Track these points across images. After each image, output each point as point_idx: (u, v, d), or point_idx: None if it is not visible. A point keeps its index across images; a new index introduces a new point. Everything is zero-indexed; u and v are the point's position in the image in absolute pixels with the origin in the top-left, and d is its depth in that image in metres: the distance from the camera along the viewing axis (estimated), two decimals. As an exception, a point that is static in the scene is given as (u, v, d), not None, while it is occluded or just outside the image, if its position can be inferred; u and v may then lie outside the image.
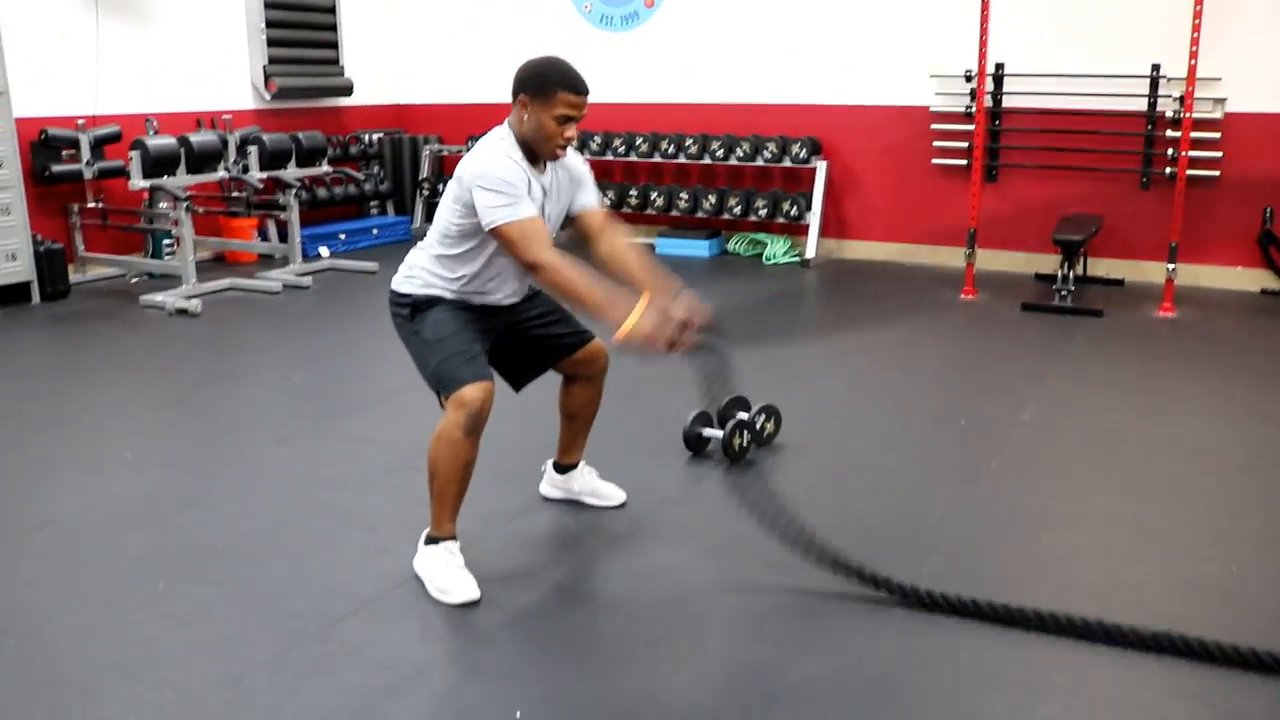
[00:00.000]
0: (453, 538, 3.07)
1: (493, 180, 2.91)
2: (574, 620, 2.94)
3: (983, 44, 6.80)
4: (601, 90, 9.24)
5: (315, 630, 2.84)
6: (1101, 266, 7.59)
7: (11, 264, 6.85)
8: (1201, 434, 4.46)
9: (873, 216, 8.43)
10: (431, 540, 3.09)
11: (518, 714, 2.46)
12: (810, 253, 8.23)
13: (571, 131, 2.96)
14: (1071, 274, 6.76)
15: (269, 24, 8.60)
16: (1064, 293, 6.70)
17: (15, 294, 6.92)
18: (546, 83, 2.95)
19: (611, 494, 3.69)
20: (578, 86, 2.96)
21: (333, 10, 9.19)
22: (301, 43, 8.90)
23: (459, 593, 2.98)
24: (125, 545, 3.40)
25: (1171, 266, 6.64)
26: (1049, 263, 7.39)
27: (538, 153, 3.02)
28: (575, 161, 3.20)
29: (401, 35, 10.08)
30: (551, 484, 3.72)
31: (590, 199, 3.22)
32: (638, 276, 3.00)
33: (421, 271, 3.15)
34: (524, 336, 3.32)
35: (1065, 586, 3.08)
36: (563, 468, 3.68)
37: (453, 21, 9.81)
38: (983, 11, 6.74)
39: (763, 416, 4.26)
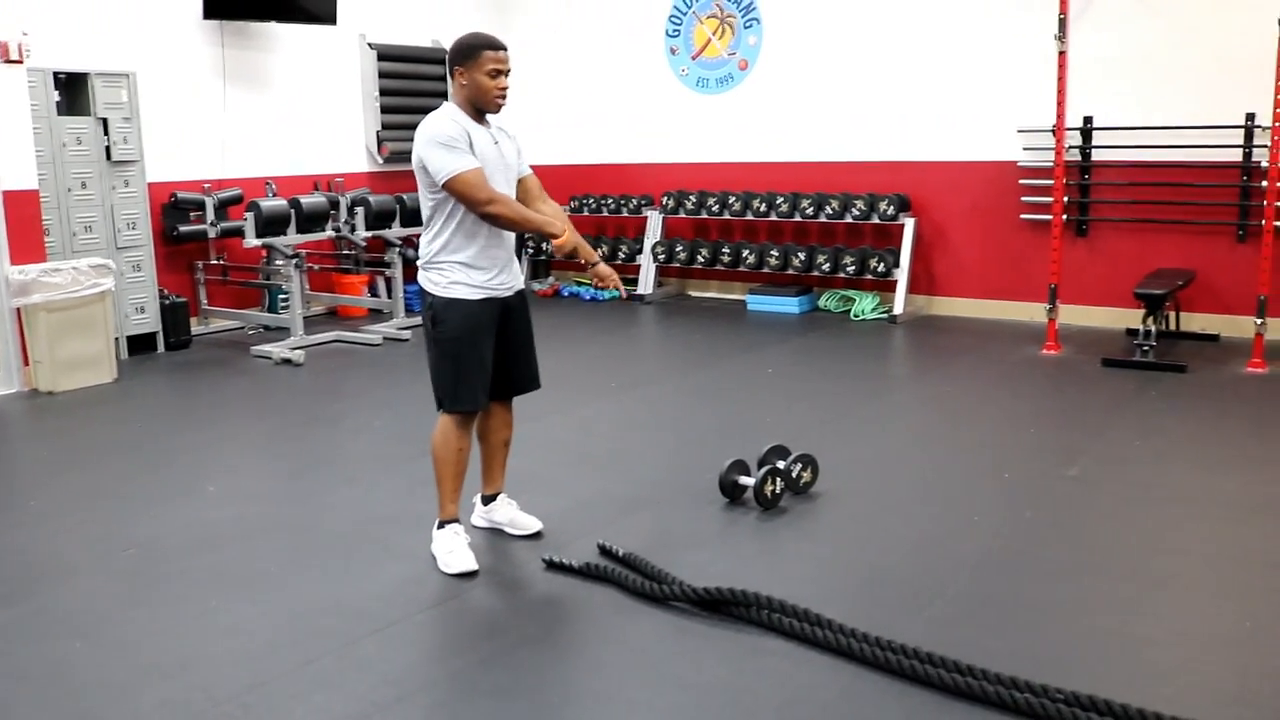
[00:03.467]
0: (455, 519, 3.70)
1: (434, 136, 3.43)
2: (578, 650, 3.16)
3: (1060, 97, 6.86)
4: (697, 151, 9.75)
5: (338, 647, 3.14)
6: (1196, 321, 7.48)
7: (140, 316, 7.50)
8: (1254, 491, 4.41)
9: (961, 272, 8.47)
10: (440, 524, 3.71)
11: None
12: (898, 309, 8.31)
13: (503, 82, 3.46)
14: (1155, 329, 6.71)
15: (383, 92, 9.20)
16: (1145, 348, 6.65)
17: (142, 343, 7.56)
18: (471, 49, 3.47)
19: (528, 524, 3.97)
20: (494, 44, 3.49)
21: (443, 78, 9.76)
22: (413, 109, 9.47)
23: (457, 564, 3.59)
24: (192, 566, 3.78)
25: (1260, 321, 6.53)
26: (1139, 318, 7.32)
27: (482, 109, 3.53)
28: (514, 129, 3.74)
29: (516, 100, 10.54)
30: (477, 514, 4.05)
31: (527, 167, 3.76)
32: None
33: (438, 261, 3.59)
34: (499, 353, 3.71)
35: (1062, 641, 3.16)
36: (486, 498, 4.02)
37: (552, 85, 10.29)
38: (1060, 67, 6.82)
39: (799, 465, 4.41)
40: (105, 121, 7.21)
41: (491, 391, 3.70)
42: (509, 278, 3.68)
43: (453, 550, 3.64)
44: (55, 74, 7.02)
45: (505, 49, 3.51)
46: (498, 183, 3.52)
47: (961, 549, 3.84)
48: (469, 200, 3.44)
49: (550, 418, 5.50)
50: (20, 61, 6.47)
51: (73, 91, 7.19)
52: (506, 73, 3.47)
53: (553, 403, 5.72)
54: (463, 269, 3.56)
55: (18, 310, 6.49)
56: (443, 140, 3.42)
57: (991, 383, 6.41)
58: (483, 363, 3.61)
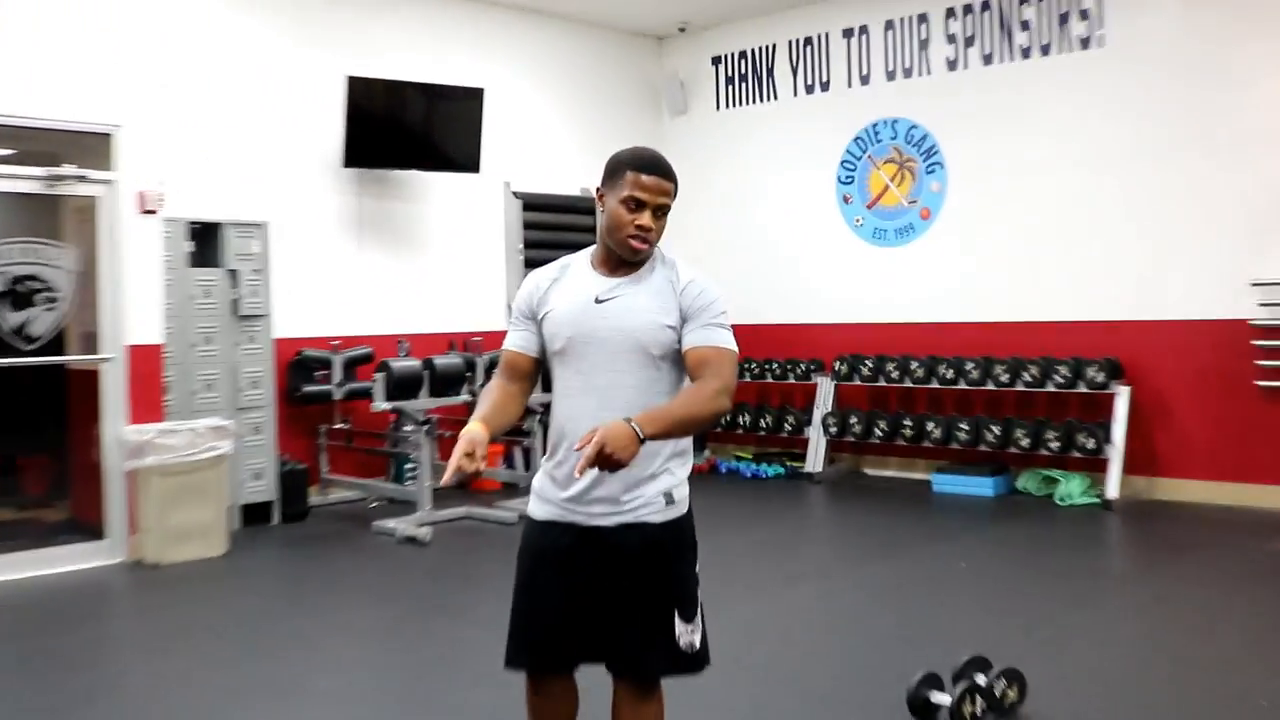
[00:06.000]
0: None
1: (517, 294, 3.07)
2: None
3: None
4: (873, 310, 9.64)
5: None
6: None
7: (256, 483, 7.69)
8: None
9: (1187, 449, 8.06)
10: None
11: None
12: (1112, 492, 7.93)
13: (645, 219, 2.84)
14: None
15: (527, 244, 9.44)
16: None
17: (257, 514, 7.72)
18: (616, 165, 2.91)
19: None
20: (648, 166, 2.87)
21: (592, 229, 9.96)
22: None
23: None
24: (294, 778, 3.70)
25: None
26: None
27: (616, 250, 2.91)
28: (691, 280, 2.93)
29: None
30: None
31: (697, 335, 2.88)
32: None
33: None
34: (600, 599, 2.92)
35: None
36: None
37: (710, 236, 10.42)
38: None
39: (1003, 681, 4.13)
40: (235, 273, 7.57)
41: (601, 654, 2.94)
42: (606, 496, 2.88)
43: None
44: (190, 223, 7.43)
45: (663, 174, 2.86)
46: (592, 361, 2.87)
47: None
48: None
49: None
50: (155, 212, 6.87)
51: (205, 242, 7.58)
52: (656, 209, 2.85)
53: (707, 598, 5.58)
54: (541, 475, 3.01)
55: (130, 474, 6.70)
56: (515, 299, 3.07)
57: (1232, 584, 6.00)
58: (538, 612, 2.94)
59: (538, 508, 2.96)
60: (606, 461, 2.53)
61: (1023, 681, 4.18)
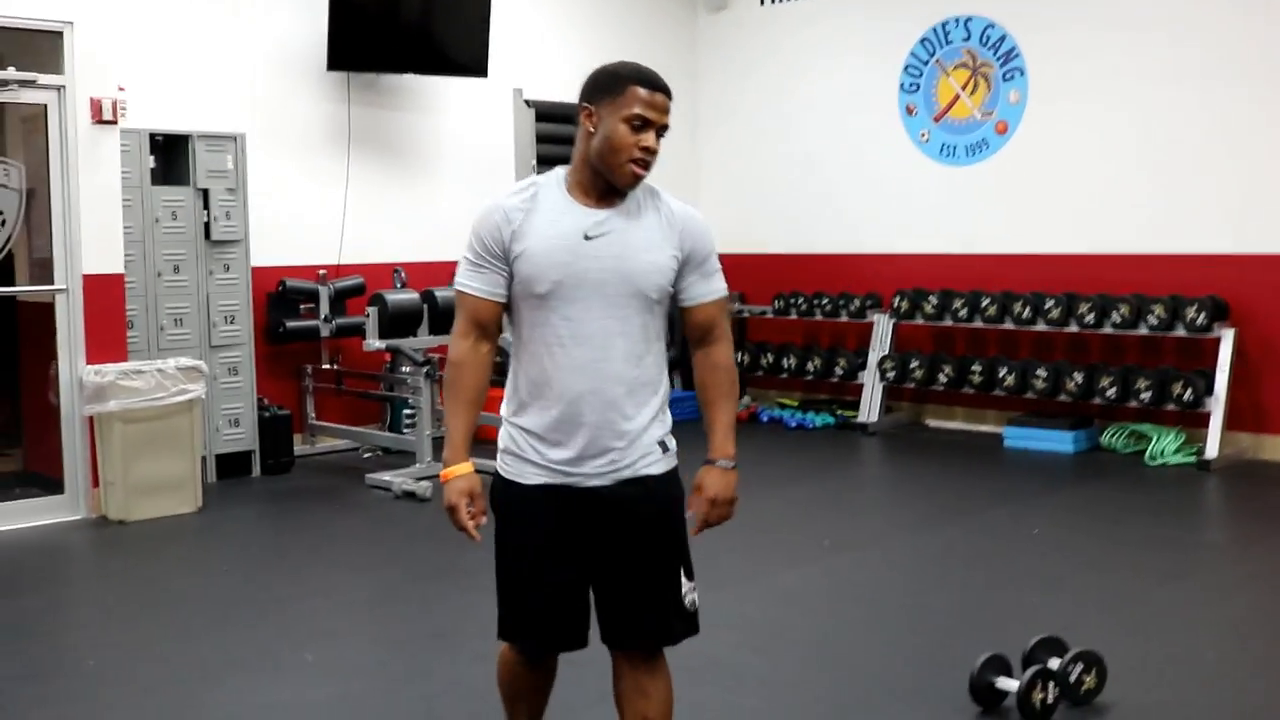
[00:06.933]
0: None
1: (473, 225, 2.97)
2: None
3: None
4: (939, 239, 9.58)
5: None
6: None
7: (234, 431, 7.74)
8: None
9: (1302, 405, 8.05)
10: None
11: None
12: (1211, 451, 7.90)
13: (651, 140, 2.87)
14: None
15: (540, 159, 9.35)
16: None
17: (235, 464, 7.78)
18: (614, 79, 2.91)
19: None
20: (653, 81, 2.90)
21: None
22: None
23: None
24: (274, 764, 3.76)
25: None
26: None
27: (609, 177, 2.90)
28: (689, 217, 3.03)
29: (698, 175, 10.74)
30: None
31: (702, 287, 3.04)
32: (709, 438, 3.05)
33: (505, 405, 3.07)
34: (609, 566, 3.04)
35: None
36: None
37: (752, 153, 10.39)
38: None
39: (1079, 666, 4.14)
40: (206, 193, 7.56)
41: (606, 634, 3.07)
42: (602, 450, 2.98)
43: None
44: (152, 136, 7.43)
45: (667, 91, 2.91)
46: (584, 306, 2.90)
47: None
48: None
49: (740, 586, 5.35)
50: (114, 122, 6.86)
51: (171, 157, 7.59)
52: (659, 129, 2.88)
53: (744, 565, 5.68)
54: (517, 433, 3.04)
55: (90, 420, 6.77)
56: (470, 237, 2.97)
57: None
58: (544, 586, 3.03)
59: (521, 469, 3.01)
60: (724, 518, 3.02)
61: (1102, 666, 4.18)
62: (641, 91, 2.85)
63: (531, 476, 2.98)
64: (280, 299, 8.20)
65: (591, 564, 3.00)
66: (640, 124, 2.85)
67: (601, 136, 2.86)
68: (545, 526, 2.98)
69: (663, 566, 3.00)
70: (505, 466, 3.05)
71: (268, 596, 5.51)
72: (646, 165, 2.88)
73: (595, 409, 2.91)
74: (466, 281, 2.98)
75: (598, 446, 2.93)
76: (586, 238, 2.89)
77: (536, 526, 3.00)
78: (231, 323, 7.74)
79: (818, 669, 4.57)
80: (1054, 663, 4.12)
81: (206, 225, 7.58)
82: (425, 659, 4.72)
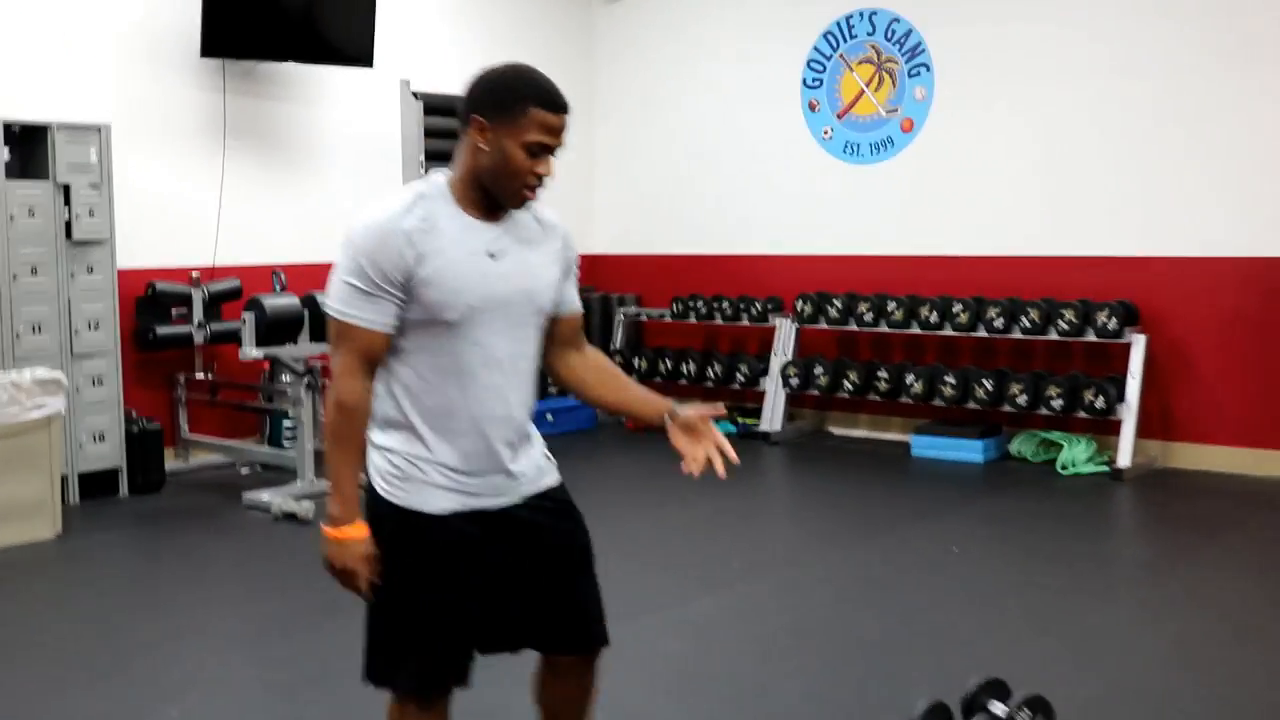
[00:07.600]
0: None
1: (350, 239, 2.71)
2: None
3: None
4: (843, 239, 9.43)
5: None
6: None
7: (98, 447, 7.30)
8: None
9: (1214, 411, 8.05)
10: None
11: None
12: (1124, 460, 7.89)
13: (547, 166, 2.75)
14: None
15: (429, 155, 9.06)
16: None
17: (100, 483, 7.34)
18: (513, 96, 2.72)
19: None
20: (555, 101, 2.74)
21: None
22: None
23: None
24: None
25: None
26: None
27: (497, 197, 2.78)
28: (559, 224, 2.98)
29: (592, 172, 10.49)
30: None
31: (572, 293, 3.04)
32: (644, 409, 3.10)
33: (376, 440, 2.87)
34: (531, 586, 2.95)
35: None
36: None
37: (649, 149, 10.20)
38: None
39: (1026, 712, 3.88)
40: (67, 188, 7.17)
41: (527, 639, 3.00)
42: (507, 472, 2.91)
43: None
44: (7, 126, 7.03)
45: (567, 109, 2.75)
46: (492, 329, 2.79)
47: None
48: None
49: (643, 618, 5.07)
50: (-40, 111, 6.47)
51: (27, 148, 7.20)
52: (554, 150, 2.75)
53: (648, 593, 5.47)
54: (423, 462, 2.85)
55: (-65, 439, 6.33)
56: (364, 255, 2.69)
57: (1275, 571, 5.95)
58: (455, 623, 2.87)
59: (423, 496, 2.81)
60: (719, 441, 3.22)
61: (1049, 713, 3.94)
62: (542, 115, 2.71)
63: (437, 502, 2.82)
64: (149, 303, 7.84)
65: (513, 585, 2.91)
66: (539, 149, 2.72)
67: (495, 158, 2.72)
68: (464, 553, 2.84)
69: (589, 569, 3.04)
70: (397, 493, 2.82)
71: (134, 638, 5.12)
72: (537, 190, 2.78)
73: (504, 432, 2.84)
74: (355, 312, 2.70)
75: (506, 468, 2.87)
76: (490, 257, 2.78)
77: (454, 554, 2.84)
78: (96, 329, 7.31)
79: (738, 712, 4.31)
80: (998, 708, 3.86)
81: (68, 224, 7.17)
82: (309, 707, 4.38)
